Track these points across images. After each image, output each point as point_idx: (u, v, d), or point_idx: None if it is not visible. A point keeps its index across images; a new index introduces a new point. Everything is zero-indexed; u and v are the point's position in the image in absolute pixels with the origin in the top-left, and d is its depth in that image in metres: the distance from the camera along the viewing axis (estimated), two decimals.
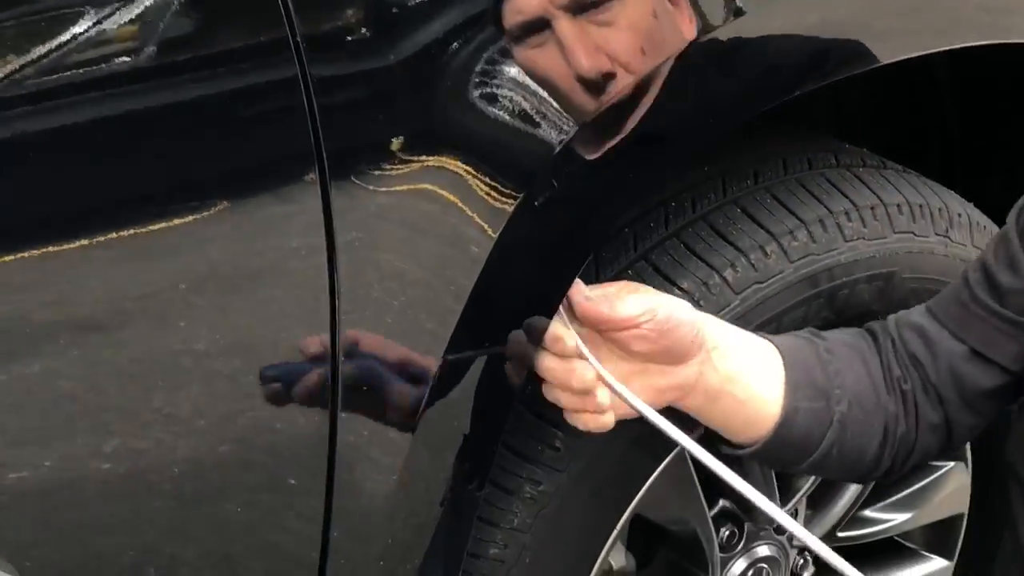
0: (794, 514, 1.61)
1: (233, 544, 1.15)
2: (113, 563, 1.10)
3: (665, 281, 1.36)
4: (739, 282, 1.37)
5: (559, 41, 1.11)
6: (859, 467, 1.28)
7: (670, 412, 1.23)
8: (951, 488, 1.72)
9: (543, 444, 1.33)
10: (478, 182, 1.13)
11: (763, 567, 1.59)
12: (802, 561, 1.66)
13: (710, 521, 1.51)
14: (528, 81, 1.12)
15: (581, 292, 1.18)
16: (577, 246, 1.24)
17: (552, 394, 1.22)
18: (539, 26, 1.11)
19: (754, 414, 1.23)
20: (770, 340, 1.25)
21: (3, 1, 0.95)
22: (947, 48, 1.44)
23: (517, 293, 1.21)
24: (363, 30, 1.07)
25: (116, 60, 0.97)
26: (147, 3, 0.97)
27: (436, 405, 1.18)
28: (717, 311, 1.35)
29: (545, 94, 1.13)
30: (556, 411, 1.25)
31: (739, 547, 1.57)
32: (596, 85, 1.14)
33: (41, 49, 0.95)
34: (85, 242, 0.99)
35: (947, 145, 1.85)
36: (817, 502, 1.64)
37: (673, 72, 1.19)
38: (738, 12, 1.22)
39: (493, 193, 1.13)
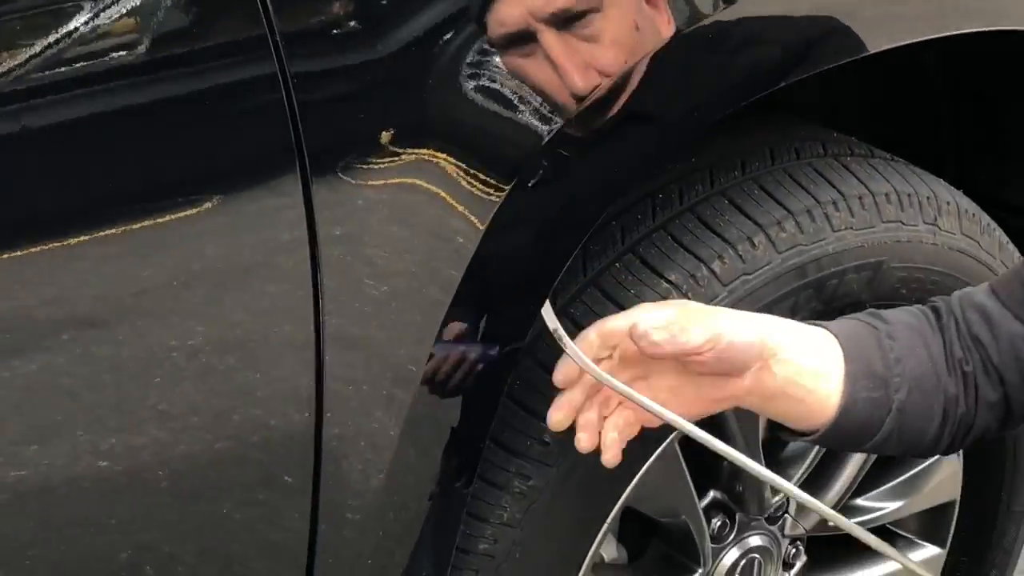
0: (785, 504, 1.61)
1: (220, 541, 1.15)
2: (91, 560, 1.10)
3: (653, 273, 1.36)
4: (727, 273, 1.37)
5: (546, 55, 1.11)
6: (919, 446, 1.28)
7: None
8: (942, 476, 1.73)
9: (532, 439, 1.33)
10: (464, 174, 1.12)
11: (755, 557, 1.59)
12: (794, 550, 1.66)
13: (701, 512, 1.51)
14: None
15: (644, 334, 1.16)
16: (566, 237, 1.24)
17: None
18: (524, 38, 1.11)
19: (812, 409, 1.23)
20: (830, 330, 1.24)
21: None
22: (939, 36, 1.44)
23: (506, 284, 1.21)
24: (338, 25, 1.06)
25: (96, 59, 0.97)
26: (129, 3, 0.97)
27: (424, 400, 1.18)
28: (705, 303, 1.34)
29: (530, 87, 1.13)
30: (544, 405, 1.25)
31: (731, 537, 1.57)
32: (586, 93, 1.15)
33: (18, 50, 0.94)
34: (61, 242, 0.98)
35: (937, 131, 1.85)
36: (809, 491, 1.63)
37: (657, 65, 1.19)
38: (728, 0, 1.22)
39: (480, 185, 1.13)
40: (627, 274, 1.36)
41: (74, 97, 0.97)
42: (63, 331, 1.01)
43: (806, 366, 1.21)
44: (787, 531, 1.62)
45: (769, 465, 1.56)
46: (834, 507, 1.67)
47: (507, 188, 1.14)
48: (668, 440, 1.39)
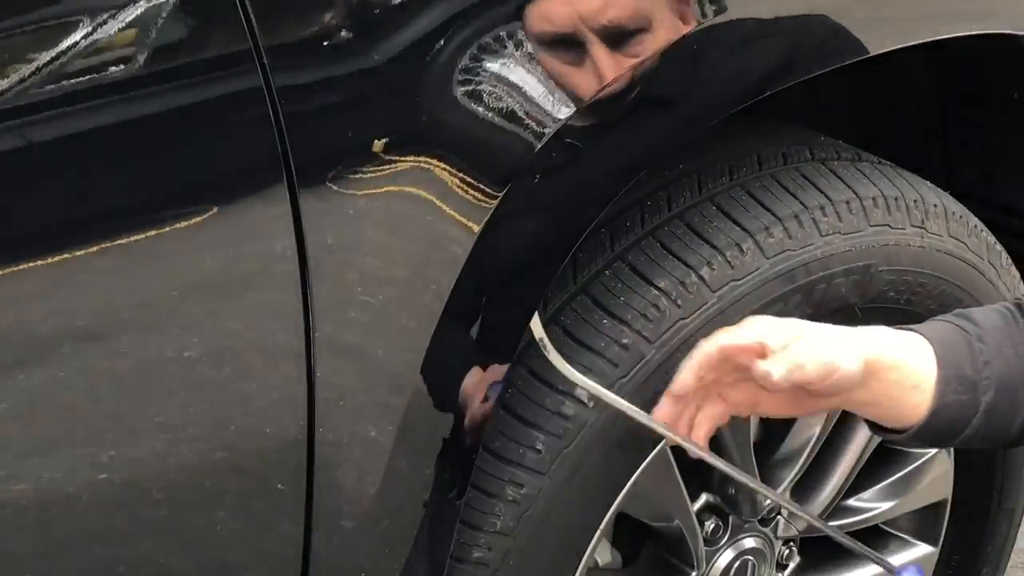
0: (778, 506, 1.62)
1: (215, 549, 1.15)
2: (87, 570, 1.11)
3: (642, 280, 1.36)
4: (716, 280, 1.37)
5: (591, 63, 1.18)
6: (1002, 440, 1.31)
7: None
8: (934, 475, 1.73)
9: (525, 447, 1.33)
10: (457, 181, 1.13)
11: (749, 559, 1.60)
12: (787, 552, 1.66)
13: (694, 516, 1.52)
14: (505, 80, 1.13)
15: (765, 375, 1.19)
16: (556, 245, 1.25)
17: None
18: (569, 42, 1.16)
19: (904, 412, 1.26)
20: (923, 334, 1.27)
21: None
22: (931, 39, 1.45)
23: (498, 293, 1.22)
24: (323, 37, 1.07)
25: (83, 76, 0.97)
26: (124, 17, 0.98)
27: (417, 408, 1.18)
28: (694, 309, 1.35)
29: (524, 93, 1.14)
30: (535, 413, 1.26)
31: (724, 540, 1.57)
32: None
33: (7, 67, 0.95)
34: (53, 256, 0.99)
35: (924, 133, 1.85)
36: (801, 492, 1.65)
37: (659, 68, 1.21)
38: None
39: (473, 192, 1.14)
40: (617, 281, 1.36)
41: (62, 113, 0.98)
42: (55, 343, 1.02)
43: (905, 379, 1.25)
44: (780, 533, 1.63)
45: (762, 467, 1.57)
46: (827, 508, 1.68)
47: (500, 195, 1.15)
48: (659, 446, 1.40)
